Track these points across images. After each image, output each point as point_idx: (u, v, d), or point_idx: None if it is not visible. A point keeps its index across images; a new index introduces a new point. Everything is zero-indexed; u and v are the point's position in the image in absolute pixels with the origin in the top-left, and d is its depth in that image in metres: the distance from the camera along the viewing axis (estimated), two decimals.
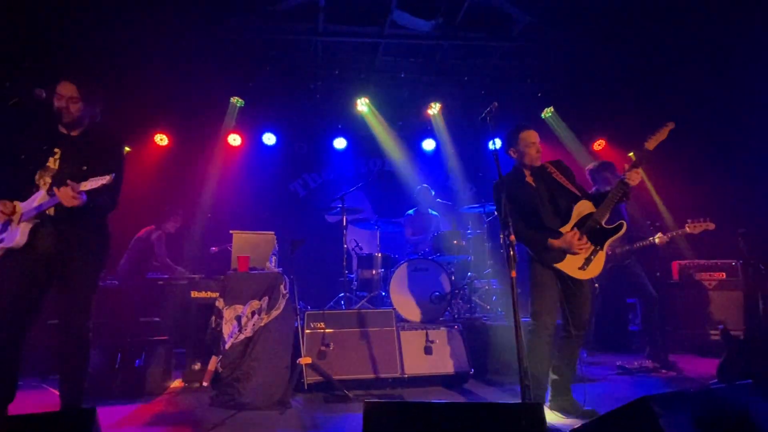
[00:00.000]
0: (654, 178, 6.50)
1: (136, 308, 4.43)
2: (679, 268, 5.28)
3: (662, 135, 2.78)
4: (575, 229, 2.89)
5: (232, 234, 3.76)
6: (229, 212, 6.25)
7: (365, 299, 4.90)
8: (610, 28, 5.07)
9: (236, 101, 6.28)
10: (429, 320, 4.32)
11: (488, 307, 5.12)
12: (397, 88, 6.45)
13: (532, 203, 2.98)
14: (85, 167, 2.60)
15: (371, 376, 3.65)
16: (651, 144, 2.78)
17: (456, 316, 4.73)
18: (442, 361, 3.82)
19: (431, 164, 7.39)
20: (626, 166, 2.80)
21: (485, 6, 4.83)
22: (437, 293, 4.42)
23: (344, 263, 4.92)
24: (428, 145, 7.27)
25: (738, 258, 4.84)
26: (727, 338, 3.46)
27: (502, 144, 3.16)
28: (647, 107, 6.13)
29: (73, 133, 2.73)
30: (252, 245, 3.72)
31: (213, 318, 3.48)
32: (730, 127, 5.71)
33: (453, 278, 4.65)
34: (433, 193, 6.02)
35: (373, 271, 5.09)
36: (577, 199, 2.96)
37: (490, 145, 3.12)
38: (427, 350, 3.85)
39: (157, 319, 4.31)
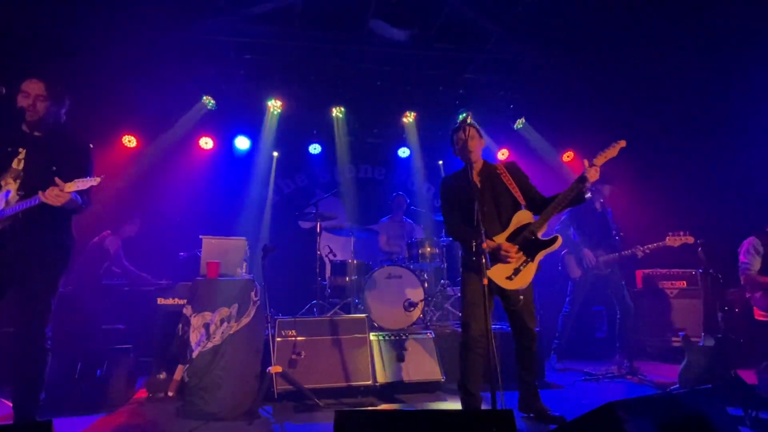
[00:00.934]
0: (621, 191, 6.72)
1: (98, 316, 4.26)
2: (642, 276, 5.47)
3: (612, 152, 2.82)
4: (509, 240, 2.89)
5: (201, 239, 3.68)
6: (199, 217, 6.09)
7: (338, 306, 4.86)
8: (579, 43, 5.25)
9: (207, 101, 6.16)
10: (402, 328, 4.32)
11: (460, 314, 5.15)
12: (373, 96, 6.48)
13: (471, 200, 2.87)
14: (54, 167, 2.53)
15: (343, 384, 3.61)
16: (599, 160, 2.81)
17: (428, 323, 4.75)
18: (415, 369, 3.82)
19: (406, 172, 7.45)
20: (586, 161, 2.81)
21: (460, 19, 4.92)
22: (410, 300, 4.43)
23: (317, 270, 4.87)
24: (403, 153, 7.32)
25: (698, 267, 5.06)
26: (688, 345, 3.60)
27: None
28: (612, 121, 6.37)
29: (37, 133, 2.63)
30: (222, 251, 3.64)
31: (180, 326, 3.39)
32: (691, 143, 5.98)
33: (426, 285, 4.66)
34: (408, 200, 6.06)
35: (347, 278, 5.06)
36: (518, 207, 2.97)
37: None
38: (400, 358, 3.85)
39: (120, 326, 4.16)
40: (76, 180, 2.44)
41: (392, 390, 3.75)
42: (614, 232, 4.55)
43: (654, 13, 4.67)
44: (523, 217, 2.93)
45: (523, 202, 2.97)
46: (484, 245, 2.57)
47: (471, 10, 4.77)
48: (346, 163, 7.25)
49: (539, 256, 2.89)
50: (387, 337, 3.97)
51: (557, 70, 5.78)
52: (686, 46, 5.07)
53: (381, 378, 3.71)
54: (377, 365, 3.76)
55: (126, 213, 5.23)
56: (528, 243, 2.86)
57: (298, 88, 6.24)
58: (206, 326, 3.31)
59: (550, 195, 3.00)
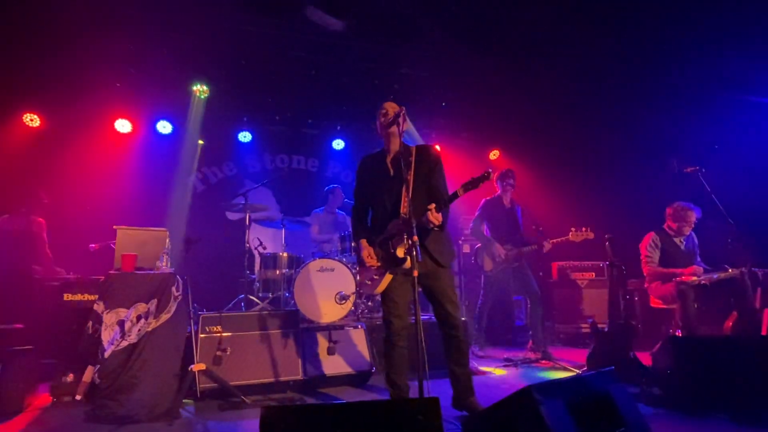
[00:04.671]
0: (540, 188, 7.19)
1: None
2: (557, 268, 5.90)
3: (474, 185, 2.64)
4: (381, 245, 2.86)
5: (116, 230, 3.40)
6: (114, 206, 5.61)
7: (267, 301, 4.74)
8: (507, 45, 5.50)
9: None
10: (333, 320, 4.31)
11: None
12: (307, 85, 6.35)
13: (381, 188, 2.87)
14: None
15: (271, 380, 3.53)
16: (461, 191, 2.60)
17: (360, 315, 4.77)
18: (345, 361, 3.83)
19: (340, 164, 7.40)
20: (432, 207, 2.63)
21: (397, 13, 4.95)
22: (342, 293, 4.42)
23: (246, 263, 4.70)
24: (338, 145, 7.26)
25: (605, 260, 5.54)
26: (595, 330, 3.94)
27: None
28: (534, 122, 6.80)
29: None
30: (139, 243, 3.39)
31: (90, 323, 3.12)
32: (600, 147, 6.53)
33: (358, 278, 4.68)
34: (344, 194, 6.02)
35: (277, 271, 4.95)
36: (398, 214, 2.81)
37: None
38: (330, 351, 3.84)
39: (19, 325, 3.73)
40: None
41: (323, 383, 3.73)
42: (534, 227, 4.85)
43: (574, 23, 5.01)
44: (394, 226, 2.82)
45: (406, 210, 2.69)
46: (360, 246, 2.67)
47: (407, 6, 4.82)
48: (278, 153, 7.06)
49: (390, 273, 2.81)
50: (318, 331, 3.93)
51: (485, 71, 6.02)
52: (605, 54, 5.49)
53: (311, 372, 3.68)
54: (307, 359, 3.72)
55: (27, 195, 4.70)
56: (386, 255, 2.82)
57: (227, 73, 5.95)
58: (121, 323, 3.08)
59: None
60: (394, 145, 2.94)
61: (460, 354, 2.90)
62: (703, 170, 4.20)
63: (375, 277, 2.87)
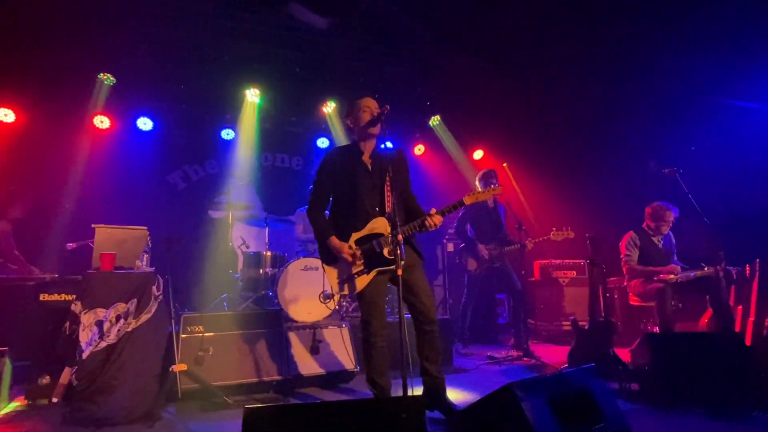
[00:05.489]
0: (523, 188, 7.28)
1: None
2: (540, 267, 5.98)
3: (484, 195, 2.89)
4: (358, 243, 2.78)
5: (94, 228, 3.33)
6: (93, 204, 5.49)
7: (250, 300, 4.69)
8: (491, 48, 5.55)
9: (105, 78, 5.54)
10: (317, 320, 4.29)
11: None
12: (292, 82, 6.30)
13: (355, 185, 2.77)
14: None
15: (254, 380, 3.50)
16: (468, 200, 2.83)
17: (344, 314, 4.76)
18: (329, 360, 3.82)
19: None
20: (434, 210, 2.76)
21: (380, 13, 4.95)
22: (326, 292, 4.39)
23: (229, 262, 4.65)
24: (322, 143, 7.22)
25: (586, 258, 5.64)
26: (576, 328, 4.00)
27: (345, 116, 3.02)
28: (517, 123, 6.87)
29: None
30: (119, 241, 3.32)
31: (67, 324, 3.05)
32: (582, 149, 6.64)
33: (329, 277, 4.66)
34: None
35: (261, 270, 4.90)
36: (382, 213, 2.79)
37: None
38: (314, 350, 3.82)
39: None
40: None
41: (306, 383, 3.72)
42: (516, 227, 4.90)
43: (557, 28, 5.08)
44: (378, 224, 2.77)
45: (387, 210, 2.77)
46: (333, 242, 2.65)
47: (393, 6, 4.82)
48: (261, 151, 6.99)
49: (375, 272, 2.74)
50: (302, 330, 3.91)
51: (469, 71, 6.06)
52: (587, 57, 5.57)
53: (295, 372, 3.65)
54: (291, 358, 3.70)
55: (4, 193, 4.56)
56: (370, 254, 2.74)
57: (209, 70, 5.86)
58: (99, 324, 3.01)
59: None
60: (371, 144, 2.92)
61: (435, 352, 2.85)
62: (681, 171, 4.30)
63: (354, 275, 2.77)
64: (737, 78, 5.49)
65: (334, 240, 2.79)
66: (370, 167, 2.87)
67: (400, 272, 2.43)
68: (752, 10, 4.61)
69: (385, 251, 2.72)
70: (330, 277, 2.86)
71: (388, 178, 2.75)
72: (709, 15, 4.69)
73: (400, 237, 2.49)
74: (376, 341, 2.81)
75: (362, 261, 2.78)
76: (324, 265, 2.87)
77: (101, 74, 5.49)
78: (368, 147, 2.92)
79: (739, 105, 5.86)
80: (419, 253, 2.92)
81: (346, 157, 2.91)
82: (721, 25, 4.79)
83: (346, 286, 2.81)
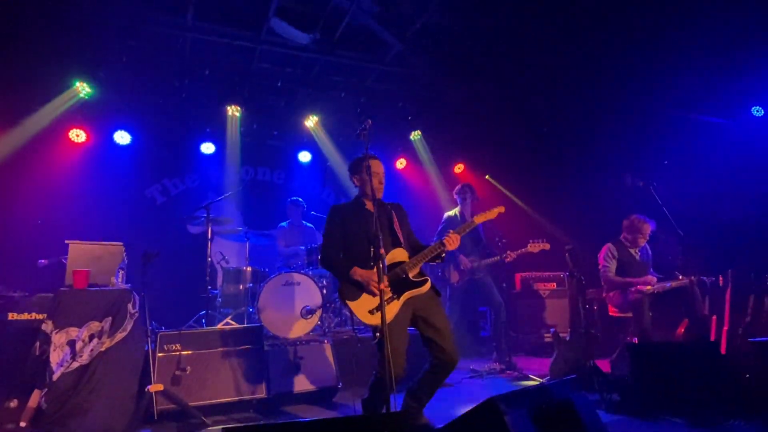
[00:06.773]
0: (502, 201, 7.38)
1: None
2: (520, 279, 6.03)
3: (492, 215, 3.14)
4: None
5: (68, 244, 3.24)
6: (67, 219, 5.33)
7: (230, 316, 4.60)
8: (470, 63, 5.65)
9: (81, 89, 5.44)
10: (299, 336, 4.23)
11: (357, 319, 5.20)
12: (273, 97, 6.29)
13: (366, 227, 2.80)
14: None
15: (234, 399, 3.42)
16: (479, 219, 3.13)
17: (327, 330, 4.71)
18: (311, 377, 3.76)
19: (307, 176, 7.32)
20: (451, 232, 2.88)
21: (362, 29, 5.00)
22: (308, 308, 4.35)
23: (207, 278, 4.57)
24: (304, 157, 7.20)
25: (565, 270, 5.72)
26: (557, 339, 4.03)
27: (349, 171, 3.14)
28: (497, 138, 7.00)
29: None
30: (93, 258, 3.24)
31: (37, 344, 2.94)
32: (562, 162, 6.78)
33: (325, 292, 4.62)
34: (306, 206, 5.95)
35: (240, 286, 4.82)
36: (397, 246, 2.92)
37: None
38: (296, 367, 3.76)
39: None
40: None
41: (288, 401, 3.64)
42: (495, 240, 4.95)
43: (534, 45, 5.21)
44: (398, 254, 2.89)
45: (402, 242, 2.95)
46: (357, 272, 2.72)
47: (373, 22, 4.88)
48: (242, 165, 6.93)
49: (405, 296, 2.79)
50: (283, 347, 3.84)
51: (449, 87, 6.16)
52: (564, 73, 5.73)
53: (276, 389, 3.58)
54: (272, 376, 3.63)
55: None
56: (398, 280, 2.81)
57: (190, 83, 5.82)
58: (71, 344, 2.91)
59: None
60: (375, 195, 2.97)
61: (434, 389, 2.88)
62: (654, 184, 4.42)
63: (385, 304, 2.60)
64: (706, 94, 5.71)
65: (358, 270, 2.77)
66: (376, 213, 2.86)
67: (383, 286, 2.47)
68: (719, 32, 4.83)
69: (411, 274, 2.83)
70: (358, 311, 2.77)
71: (394, 217, 2.98)
72: (682, 35, 4.88)
73: (381, 251, 2.52)
74: (391, 388, 2.65)
75: (390, 288, 2.76)
76: (347, 302, 2.79)
77: (77, 83, 5.38)
78: (372, 197, 2.97)
79: (707, 120, 6.09)
80: (437, 291, 2.97)
81: (352, 207, 3.06)
82: (692, 45, 4.99)
83: (375, 317, 2.72)
